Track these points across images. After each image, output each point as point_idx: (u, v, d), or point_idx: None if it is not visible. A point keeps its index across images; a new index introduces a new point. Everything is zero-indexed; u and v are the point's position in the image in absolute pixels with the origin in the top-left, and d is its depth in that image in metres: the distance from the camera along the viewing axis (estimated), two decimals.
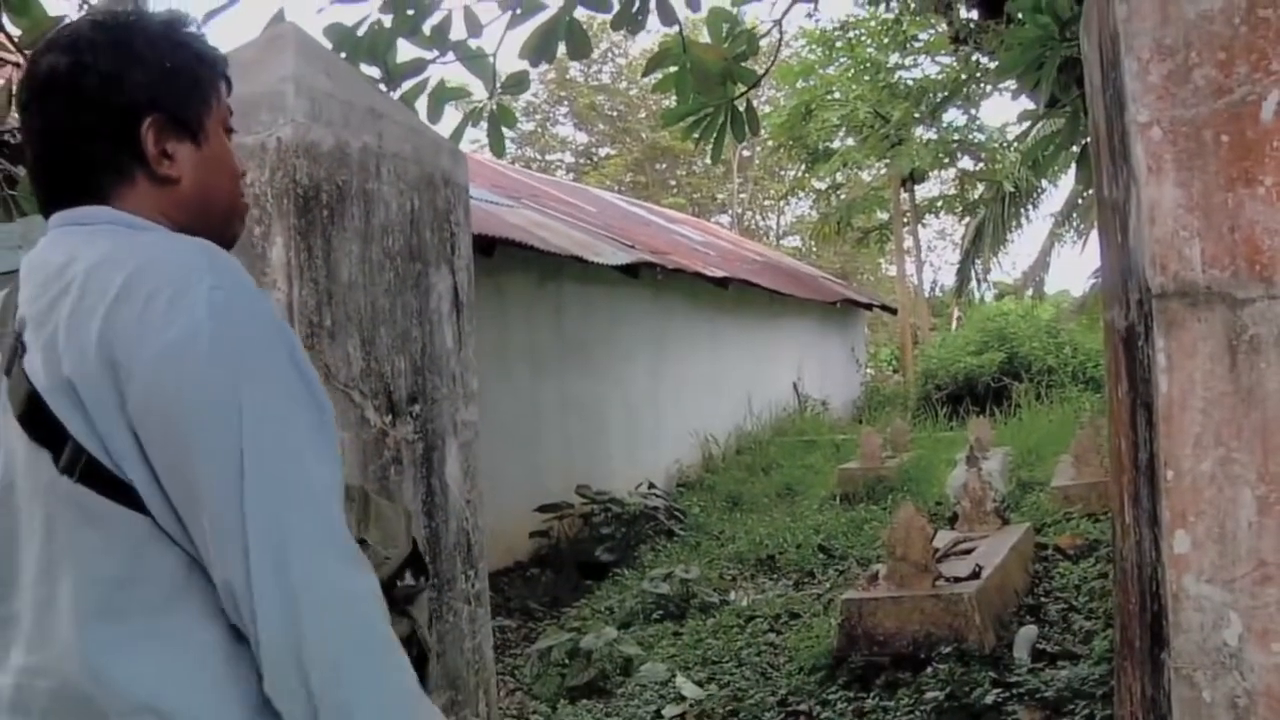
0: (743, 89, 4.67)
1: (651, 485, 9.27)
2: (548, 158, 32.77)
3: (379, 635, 1.08)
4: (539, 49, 4.14)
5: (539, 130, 32.46)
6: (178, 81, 1.25)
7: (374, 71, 3.96)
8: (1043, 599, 5.32)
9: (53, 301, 1.13)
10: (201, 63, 1.29)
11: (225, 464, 1.05)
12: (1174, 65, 1.43)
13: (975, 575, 4.92)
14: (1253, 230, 1.39)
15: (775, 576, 6.78)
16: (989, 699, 3.95)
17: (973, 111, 20.39)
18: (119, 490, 1.07)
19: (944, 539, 5.81)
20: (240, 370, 1.08)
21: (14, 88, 3.68)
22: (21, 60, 3.65)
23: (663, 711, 4.47)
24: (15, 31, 3.61)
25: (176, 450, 1.06)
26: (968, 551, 5.55)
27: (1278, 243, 1.38)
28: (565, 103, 32.13)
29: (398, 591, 1.30)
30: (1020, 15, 5.03)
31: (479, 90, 4.35)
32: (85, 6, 3.51)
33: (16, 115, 3.95)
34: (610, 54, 30.83)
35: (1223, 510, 1.39)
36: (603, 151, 33.38)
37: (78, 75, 1.22)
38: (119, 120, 1.22)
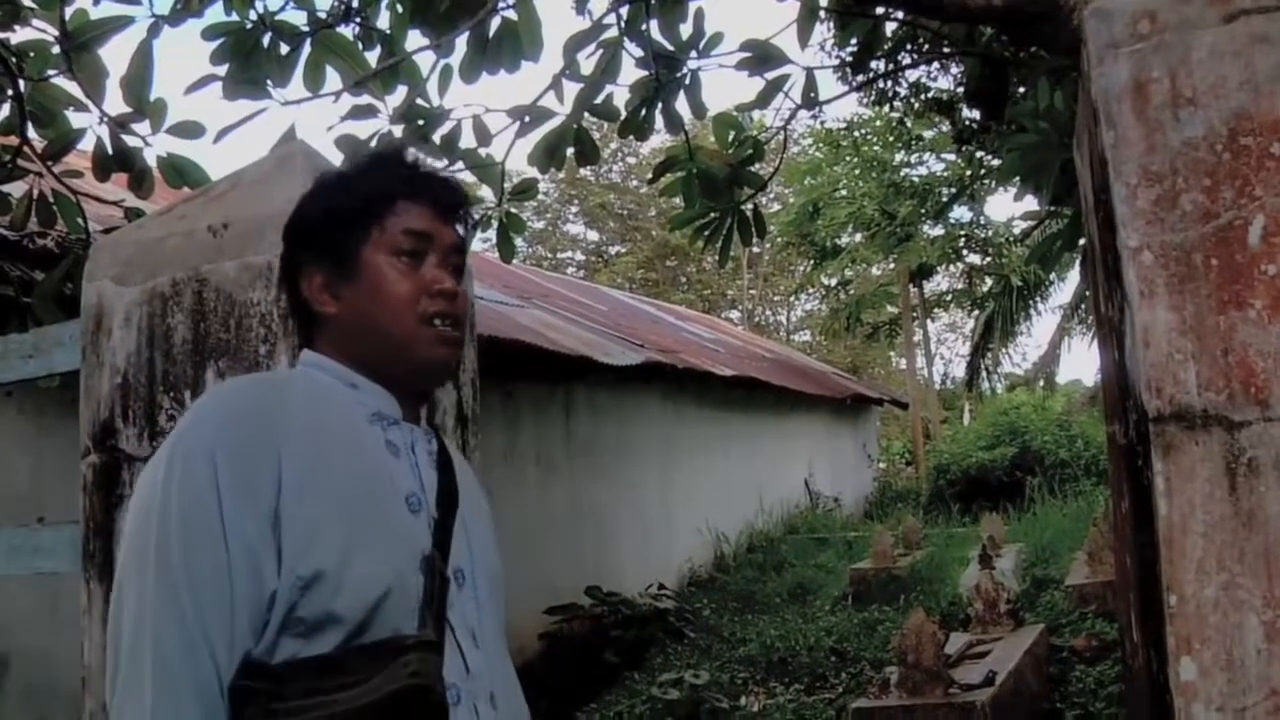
0: (749, 193, 4.74)
1: (662, 586, 9.18)
2: (559, 255, 33.13)
3: None
4: (547, 156, 4.22)
5: (550, 229, 32.87)
6: (328, 226, 1.38)
7: None
8: (1059, 704, 5.22)
9: None
10: (357, 199, 1.39)
11: (110, 646, 1.24)
12: (1161, 191, 1.46)
13: (989, 681, 4.83)
14: (1246, 353, 1.40)
15: (787, 680, 6.66)
16: None
17: (978, 208, 20.61)
18: None
19: (957, 642, 5.72)
20: (137, 547, 1.24)
21: (34, 195, 3.78)
22: (44, 169, 3.74)
23: None
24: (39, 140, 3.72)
25: None
26: (982, 655, 5.45)
27: (1271, 365, 1.39)
28: (576, 201, 32.59)
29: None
30: (1021, 118, 5.11)
31: (490, 193, 4.42)
32: (105, 119, 3.60)
33: (37, 223, 3.99)
34: (620, 153, 31.36)
35: (1229, 637, 1.37)
36: (613, 249, 33.73)
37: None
38: (290, 272, 1.42)
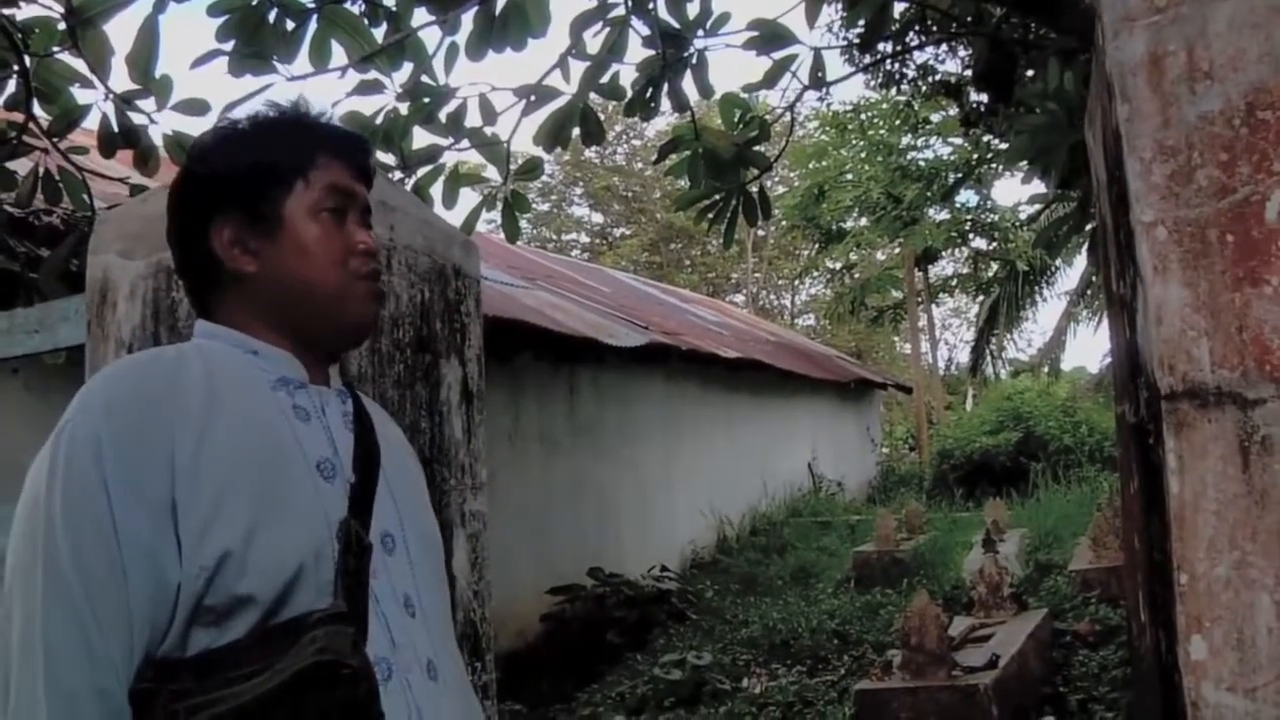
0: (755, 173, 4.71)
1: (664, 567, 9.19)
2: (563, 238, 33.07)
3: None
4: (553, 135, 4.20)
5: (555, 211, 32.80)
6: (247, 177, 1.31)
7: (389, 158, 4.02)
8: (1062, 689, 5.22)
9: None
10: (280, 151, 1.32)
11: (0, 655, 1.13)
12: (1176, 166, 1.44)
13: (992, 664, 4.83)
14: (1261, 330, 1.39)
15: (789, 662, 6.67)
16: None
17: (985, 192, 20.55)
18: None
19: (960, 625, 5.72)
20: (24, 548, 1.14)
21: (40, 172, 3.76)
22: (50, 146, 3.73)
23: None
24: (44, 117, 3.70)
25: None
26: (985, 638, 5.46)
27: None
28: (580, 184, 32.51)
29: None
30: (1030, 101, 5.08)
31: (495, 172, 4.40)
32: (110, 96, 3.58)
33: (42, 200, 3.97)
34: (625, 135, 31.27)
35: (1240, 616, 1.36)
36: (618, 232, 33.67)
37: (171, 197, 1.37)
38: (191, 228, 1.33)
